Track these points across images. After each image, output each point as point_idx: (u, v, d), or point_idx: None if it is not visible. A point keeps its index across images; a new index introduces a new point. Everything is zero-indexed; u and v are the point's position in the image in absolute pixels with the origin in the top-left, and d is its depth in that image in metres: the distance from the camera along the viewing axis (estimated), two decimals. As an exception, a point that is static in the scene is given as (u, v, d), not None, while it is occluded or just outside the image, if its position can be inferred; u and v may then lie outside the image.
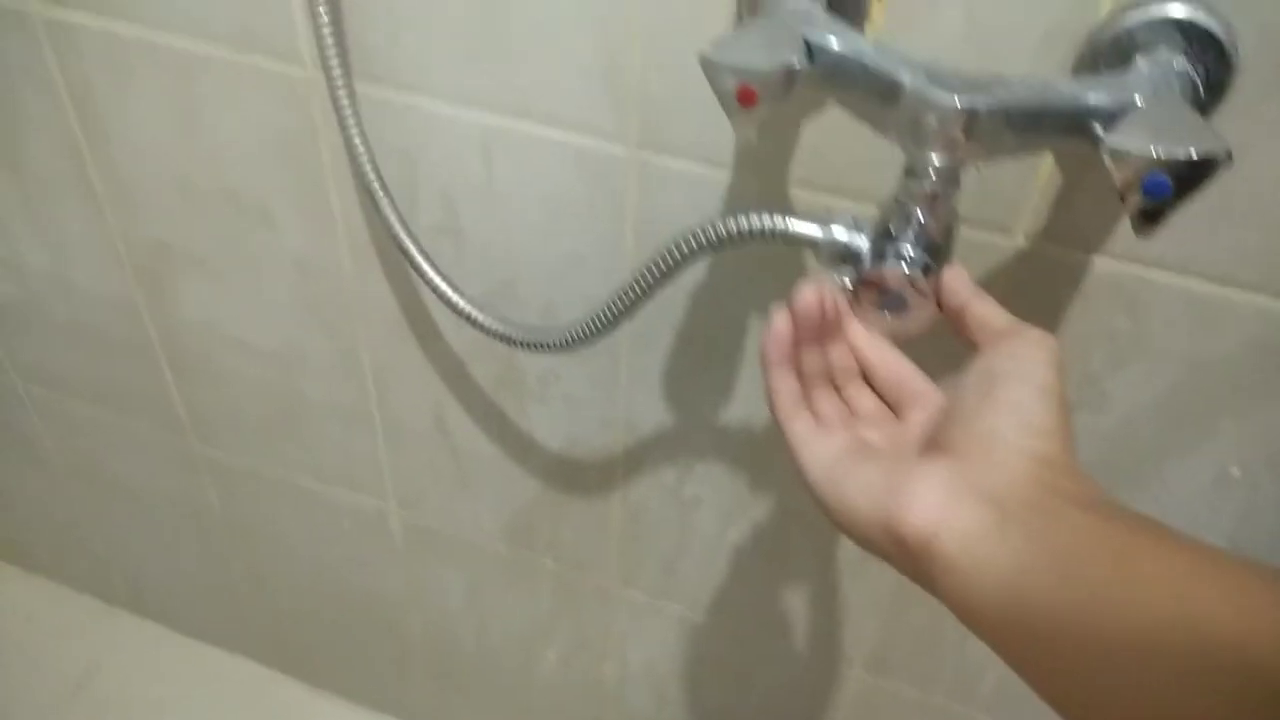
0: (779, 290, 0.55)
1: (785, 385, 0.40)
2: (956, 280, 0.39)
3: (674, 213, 0.54)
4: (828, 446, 0.38)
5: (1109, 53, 0.40)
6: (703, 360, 0.61)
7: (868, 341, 0.41)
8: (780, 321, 0.39)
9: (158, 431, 0.89)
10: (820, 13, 0.41)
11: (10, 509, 1.13)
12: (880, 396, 0.42)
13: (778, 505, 0.67)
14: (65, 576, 1.19)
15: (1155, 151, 0.34)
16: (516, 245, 0.60)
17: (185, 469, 0.92)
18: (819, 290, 0.39)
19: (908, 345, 0.41)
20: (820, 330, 0.40)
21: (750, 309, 0.58)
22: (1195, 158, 0.33)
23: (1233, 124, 0.40)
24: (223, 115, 0.62)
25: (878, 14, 0.43)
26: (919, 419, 0.39)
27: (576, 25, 0.50)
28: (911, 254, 0.38)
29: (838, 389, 0.42)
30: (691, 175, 0.53)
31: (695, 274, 0.57)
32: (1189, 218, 0.37)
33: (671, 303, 0.59)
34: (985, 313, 0.38)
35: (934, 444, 0.36)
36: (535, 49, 0.51)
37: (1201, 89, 0.38)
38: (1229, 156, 0.33)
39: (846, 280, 0.40)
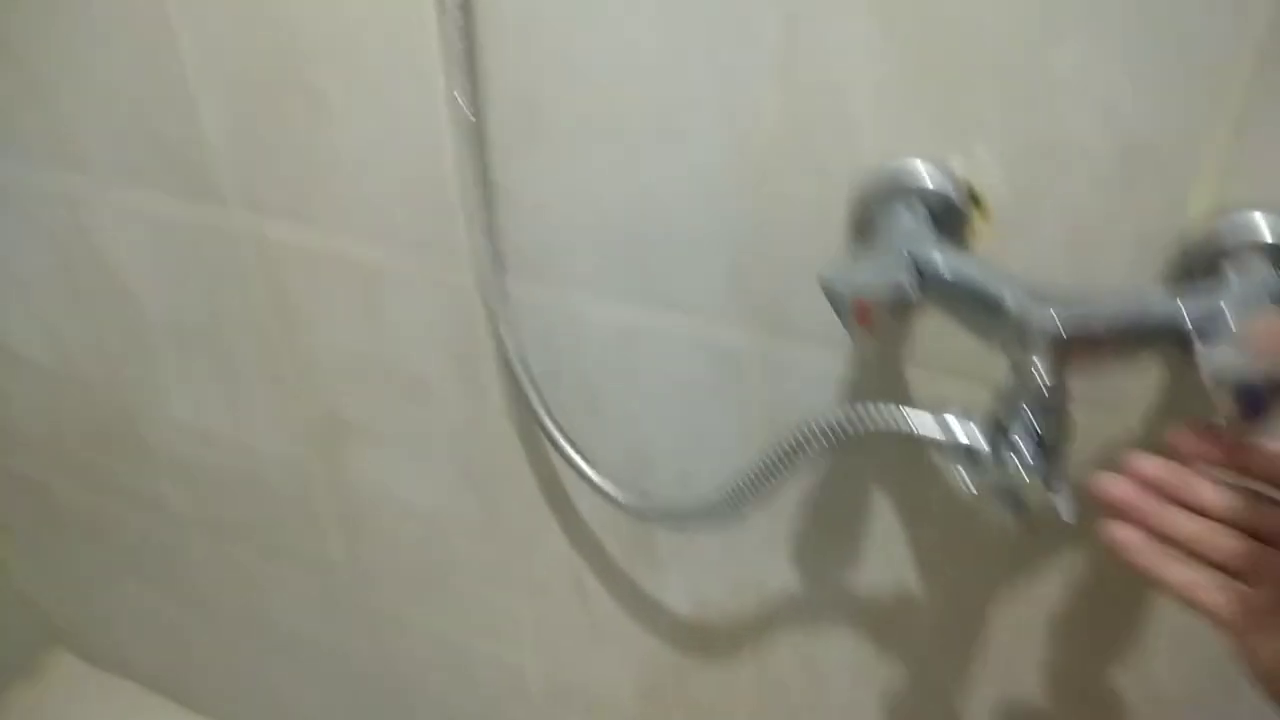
0: (898, 461, 0.59)
1: (1181, 573, 0.40)
2: (1186, 444, 0.40)
3: (797, 392, 0.59)
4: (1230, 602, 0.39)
5: (1199, 261, 0.43)
6: (829, 526, 0.64)
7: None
8: (1124, 533, 0.41)
9: (318, 580, 0.97)
10: (927, 231, 0.46)
11: (179, 649, 1.22)
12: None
13: (908, 669, 0.68)
14: (226, 714, 1.26)
15: (1247, 366, 0.36)
16: (650, 422, 0.66)
17: (340, 615, 0.99)
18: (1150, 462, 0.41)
19: None
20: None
21: (871, 477, 0.61)
22: (1287, 372, 0.36)
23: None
24: (395, 310, 0.70)
25: (982, 229, 0.47)
26: None
27: (708, 231, 0.56)
28: (1030, 460, 0.41)
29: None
30: (812, 358, 0.57)
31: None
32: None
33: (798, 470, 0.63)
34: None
35: None
36: (671, 251, 0.58)
37: (1293, 298, 0.40)
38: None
39: (970, 484, 0.42)
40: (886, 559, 0.63)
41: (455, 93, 0.56)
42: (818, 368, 0.57)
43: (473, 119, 0.57)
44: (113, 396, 0.94)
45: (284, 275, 0.74)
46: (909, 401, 0.54)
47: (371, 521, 0.87)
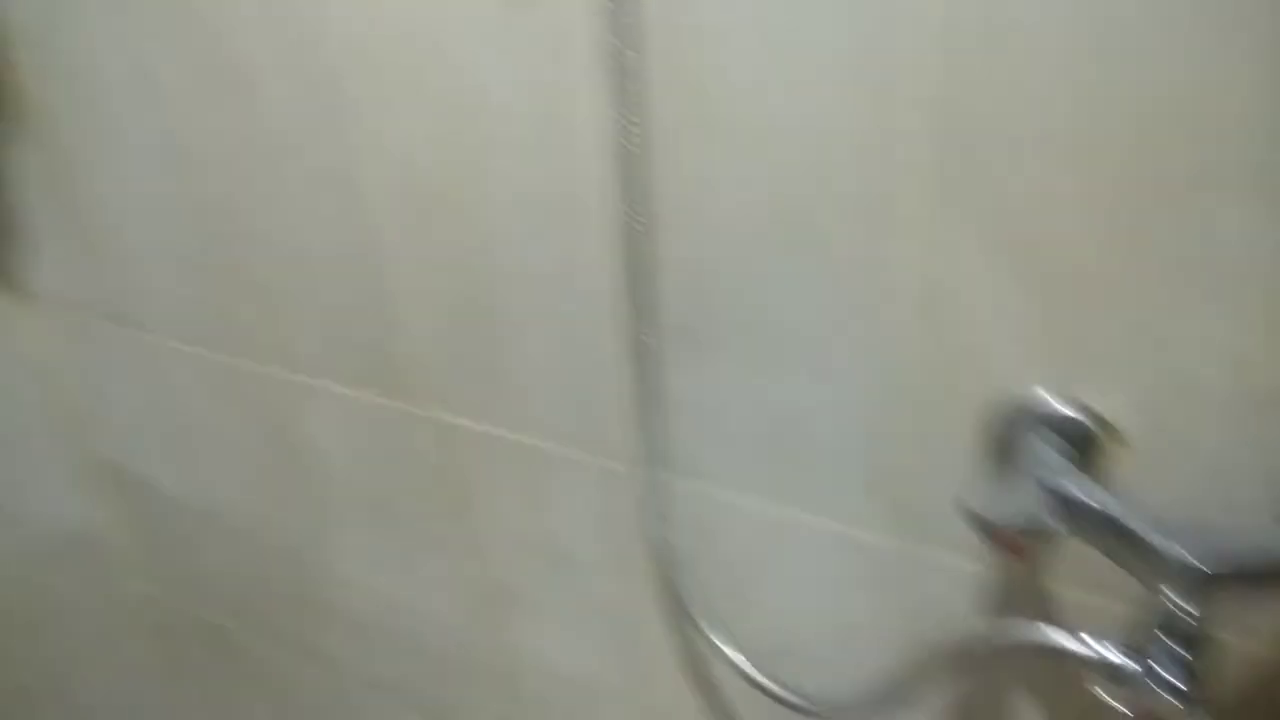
0: (1041, 668, 0.60)
1: None
2: None
3: (937, 595, 0.62)
4: None
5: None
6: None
7: None
8: None
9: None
10: (1063, 462, 0.50)
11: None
12: None
13: None
14: None
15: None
16: (792, 615, 0.70)
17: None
18: None
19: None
20: None
21: (1013, 682, 0.62)
22: None
23: None
24: (557, 494, 0.78)
25: (1117, 458, 0.51)
26: None
27: (850, 443, 0.61)
28: (1182, 687, 0.42)
29: None
30: (954, 566, 0.60)
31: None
32: None
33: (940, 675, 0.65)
34: None
35: None
36: (815, 457, 0.63)
37: None
38: None
39: (1118, 703, 0.45)
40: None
41: (623, 316, 0.64)
42: (956, 573, 0.60)
43: (637, 337, 0.65)
44: (296, 555, 1.04)
45: (460, 459, 0.82)
46: (1050, 608, 0.57)
47: (526, 685, 0.92)
